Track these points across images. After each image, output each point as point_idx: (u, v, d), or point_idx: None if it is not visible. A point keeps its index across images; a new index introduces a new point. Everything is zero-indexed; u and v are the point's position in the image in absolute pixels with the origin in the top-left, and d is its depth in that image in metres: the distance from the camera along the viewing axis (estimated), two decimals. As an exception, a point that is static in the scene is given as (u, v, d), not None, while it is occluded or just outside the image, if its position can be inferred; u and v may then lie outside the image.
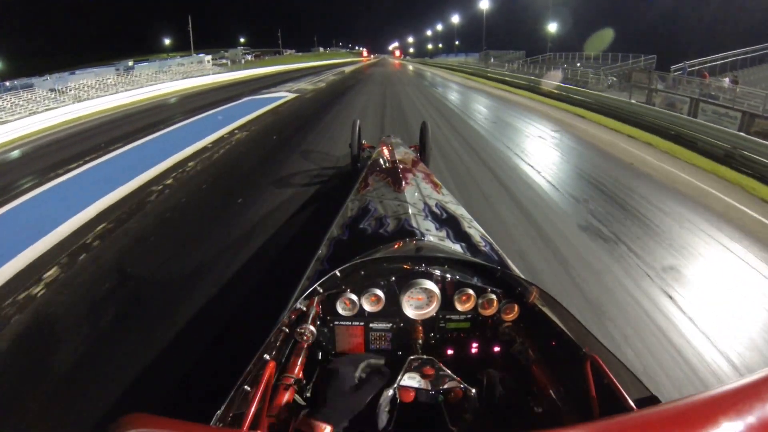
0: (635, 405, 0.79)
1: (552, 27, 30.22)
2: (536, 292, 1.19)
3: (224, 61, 37.25)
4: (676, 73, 13.36)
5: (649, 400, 0.81)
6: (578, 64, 22.43)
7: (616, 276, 3.01)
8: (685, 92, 11.27)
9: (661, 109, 9.89)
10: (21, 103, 14.72)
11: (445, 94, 16.31)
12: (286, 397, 0.94)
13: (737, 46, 14.63)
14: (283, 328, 1.10)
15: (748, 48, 14.71)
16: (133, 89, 19.14)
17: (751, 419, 0.42)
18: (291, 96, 15.17)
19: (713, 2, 21.94)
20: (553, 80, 16.08)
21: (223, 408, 0.83)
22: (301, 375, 1.03)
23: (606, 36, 26.98)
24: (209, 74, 24.37)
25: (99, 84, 18.85)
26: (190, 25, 31.55)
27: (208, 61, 29.79)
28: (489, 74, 23.99)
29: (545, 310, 1.17)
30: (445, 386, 0.93)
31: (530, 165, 5.91)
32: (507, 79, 20.41)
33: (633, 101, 11.42)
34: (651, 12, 25.47)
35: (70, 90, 17.46)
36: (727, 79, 12.06)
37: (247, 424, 0.80)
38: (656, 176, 5.44)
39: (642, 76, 13.43)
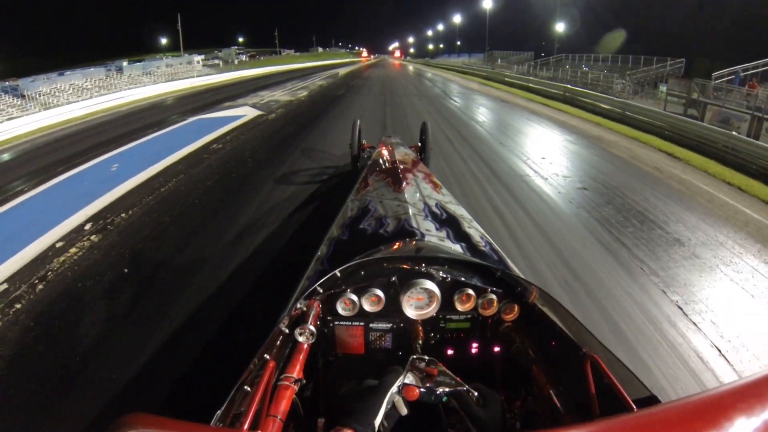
0: (635, 405, 0.78)
1: (560, 27, 28.71)
2: (536, 292, 1.18)
3: (216, 61, 35.56)
4: (717, 81, 11.75)
5: (649, 400, 0.80)
6: (584, 67, 20.88)
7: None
8: (737, 105, 9.71)
9: (718, 128, 8.26)
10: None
11: (470, 112, 11.76)
12: (286, 397, 0.93)
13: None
14: (283, 328, 1.09)
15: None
16: (109, 93, 17.50)
17: (751, 419, 0.42)
18: (252, 115, 11.06)
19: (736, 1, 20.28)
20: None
21: (223, 408, 0.82)
22: (301, 375, 1.02)
23: (618, 37, 25.51)
24: (194, 77, 22.70)
25: (73, 88, 17.23)
26: (179, 24, 29.94)
27: (198, 62, 28.19)
28: (507, 79, 20.92)
29: (545, 310, 1.15)
30: (445, 387, 0.91)
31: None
32: (532, 86, 17.44)
33: (669, 112, 9.64)
34: (668, 11, 23.82)
35: (41, 95, 15.87)
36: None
37: (247, 424, 0.80)
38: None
39: (680, 83, 11.83)
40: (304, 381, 1.04)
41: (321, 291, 1.19)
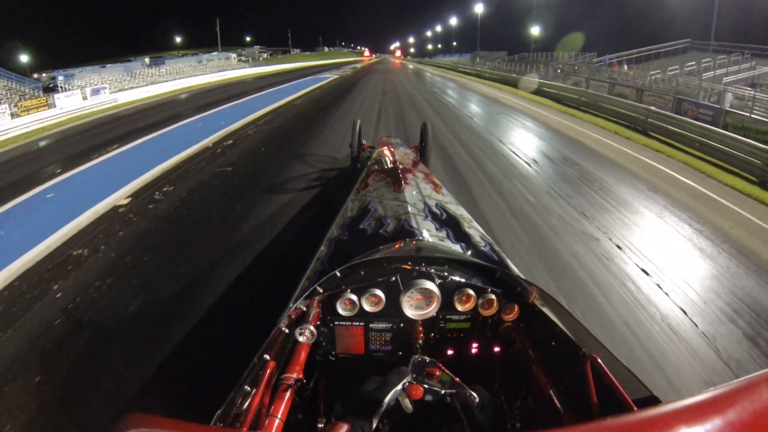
0: (635, 405, 0.80)
1: (535, 30, 34.88)
2: (536, 292, 1.21)
3: (243, 58, 42.32)
4: (597, 64, 18.38)
5: (649, 400, 0.82)
6: (551, 65, 27.13)
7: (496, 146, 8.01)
8: (590, 76, 16.27)
9: (567, 85, 14.86)
10: (107, 83, 19.58)
11: (422, 78, 25.94)
12: (286, 397, 0.95)
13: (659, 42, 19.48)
14: (283, 328, 1.12)
15: (660, 45, 19.54)
16: (184, 77, 24.15)
17: (749, 419, 0.43)
18: (336, 76, 27.42)
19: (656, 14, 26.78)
20: (517, 75, 21.13)
21: (223, 408, 0.85)
22: (301, 375, 1.03)
23: (575, 39, 31.73)
24: (245, 68, 29.48)
25: (158, 72, 23.85)
26: (218, 26, 36.53)
27: (234, 58, 34.84)
28: (459, 68, 33.71)
29: (545, 310, 1.18)
30: (446, 388, 0.92)
31: (463, 111, 11.12)
32: (468, 71, 30.17)
33: (543, 80, 16.56)
34: (604, 15, 30.32)
35: (138, 75, 22.43)
36: (625, 67, 17.01)
37: (247, 424, 0.83)
38: (528, 113, 10.79)
39: (569, 67, 18.51)
40: (304, 381, 1.05)
41: (321, 291, 1.21)
